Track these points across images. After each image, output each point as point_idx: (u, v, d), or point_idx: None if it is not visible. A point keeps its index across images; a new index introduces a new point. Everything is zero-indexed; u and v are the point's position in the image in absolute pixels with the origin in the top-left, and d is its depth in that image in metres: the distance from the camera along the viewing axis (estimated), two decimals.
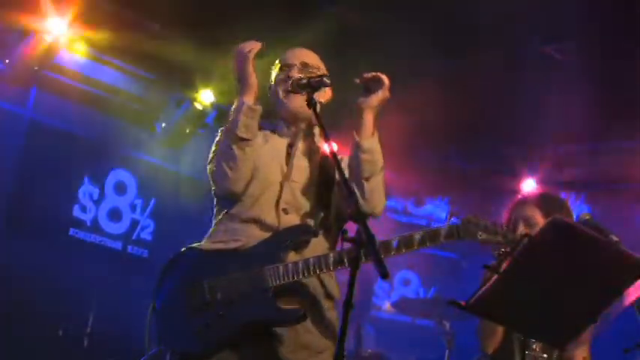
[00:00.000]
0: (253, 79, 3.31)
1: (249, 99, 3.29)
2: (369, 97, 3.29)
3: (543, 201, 4.13)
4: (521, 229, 4.00)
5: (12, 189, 7.12)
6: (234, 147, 3.26)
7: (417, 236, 3.13)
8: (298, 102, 3.36)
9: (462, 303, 2.93)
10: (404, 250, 3.13)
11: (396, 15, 5.92)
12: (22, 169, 7.21)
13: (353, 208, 2.87)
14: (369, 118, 3.29)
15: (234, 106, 3.34)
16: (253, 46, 3.31)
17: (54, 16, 6.50)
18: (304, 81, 3.27)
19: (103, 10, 6.44)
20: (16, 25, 6.62)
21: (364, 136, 3.28)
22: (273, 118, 3.58)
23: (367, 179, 3.27)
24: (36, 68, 6.91)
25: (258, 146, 3.41)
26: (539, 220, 4.04)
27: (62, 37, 6.69)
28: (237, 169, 3.27)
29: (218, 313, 3.11)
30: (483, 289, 2.87)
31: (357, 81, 3.32)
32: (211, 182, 3.37)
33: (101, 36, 6.75)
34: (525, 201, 4.14)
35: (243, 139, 3.26)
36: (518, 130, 7.14)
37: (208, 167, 3.38)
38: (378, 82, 3.29)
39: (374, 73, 3.30)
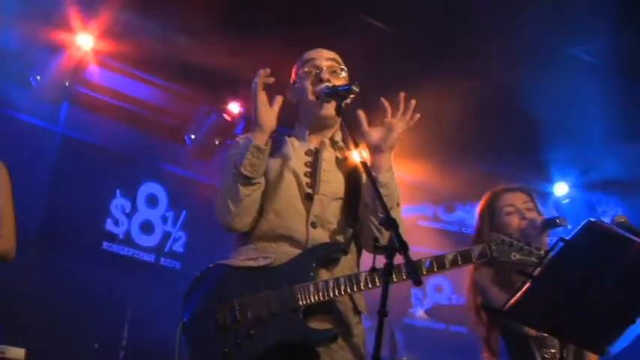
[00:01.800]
0: (265, 117, 3.23)
1: (258, 138, 3.22)
2: (388, 137, 3.22)
3: (528, 189, 4.16)
4: (518, 218, 3.99)
5: (45, 204, 7.18)
6: (239, 185, 3.20)
7: (450, 257, 3.09)
8: (331, 109, 3.31)
9: (498, 309, 2.90)
10: (436, 271, 3.10)
11: (415, 23, 5.94)
12: (54, 184, 7.28)
13: (384, 216, 2.85)
14: (388, 158, 3.24)
15: (243, 140, 3.30)
16: (257, 78, 3.23)
17: (83, 32, 6.57)
18: (333, 90, 3.24)
19: (130, 24, 6.48)
20: (46, 42, 6.71)
21: (382, 170, 3.21)
22: (297, 123, 3.53)
23: None
24: (67, 84, 6.98)
25: (278, 155, 3.36)
26: (533, 207, 4.06)
27: (91, 52, 6.76)
28: (241, 206, 3.21)
29: (248, 332, 3.07)
30: (519, 294, 2.85)
31: (403, 96, 3.24)
32: (216, 215, 3.31)
33: (129, 50, 6.81)
34: (513, 190, 4.14)
35: (247, 177, 3.21)
36: (548, 132, 7.08)
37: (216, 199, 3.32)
38: (405, 113, 3.23)
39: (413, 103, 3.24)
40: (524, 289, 2.80)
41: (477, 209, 4.23)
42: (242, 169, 3.19)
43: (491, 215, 4.12)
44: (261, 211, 3.30)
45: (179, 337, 3.19)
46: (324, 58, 3.43)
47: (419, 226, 9.19)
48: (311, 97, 3.36)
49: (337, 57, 3.48)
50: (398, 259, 2.82)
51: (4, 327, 5.61)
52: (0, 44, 6.58)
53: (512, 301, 2.84)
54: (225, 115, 7.64)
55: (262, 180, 3.26)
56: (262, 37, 6.11)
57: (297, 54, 3.53)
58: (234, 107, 7.58)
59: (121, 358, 6.92)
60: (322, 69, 3.38)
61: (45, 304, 6.63)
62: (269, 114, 3.25)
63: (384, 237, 3.08)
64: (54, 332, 6.60)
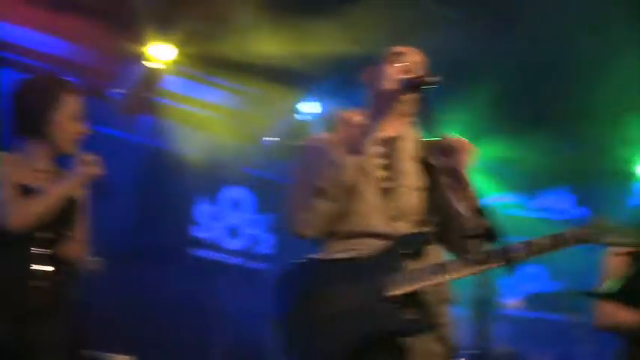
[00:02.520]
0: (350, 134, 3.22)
1: (344, 156, 3.18)
2: (459, 158, 3.16)
3: None
4: None
5: (131, 214, 7.31)
6: (316, 197, 3.17)
7: (542, 241, 3.02)
8: (409, 99, 3.27)
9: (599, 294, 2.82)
10: (528, 257, 3.02)
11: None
12: (141, 195, 7.42)
13: (472, 203, 2.79)
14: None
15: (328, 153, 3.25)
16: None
17: (159, 43, 6.72)
18: (415, 82, 3.20)
19: (202, 31, 6.57)
20: (126, 54, 6.85)
21: (464, 165, 3.15)
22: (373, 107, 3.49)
23: None
24: (146, 95, 7.11)
25: (354, 151, 3.34)
26: None
27: (168, 61, 6.87)
28: (315, 216, 3.19)
29: (340, 325, 3.05)
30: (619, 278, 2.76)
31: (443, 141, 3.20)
32: (287, 220, 3.28)
33: (203, 57, 6.89)
34: None
35: (326, 191, 3.16)
36: (633, 108, 6.89)
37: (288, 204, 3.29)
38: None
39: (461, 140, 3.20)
40: (626, 272, 2.72)
41: None
42: (323, 184, 3.17)
43: None
44: (344, 213, 3.27)
45: (272, 334, 3.20)
46: (413, 54, 3.39)
47: (505, 216, 9.04)
48: (392, 86, 3.33)
49: (424, 59, 3.44)
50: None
51: (104, 336, 5.74)
52: (79, 59, 6.75)
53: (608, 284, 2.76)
54: (297, 116, 7.67)
55: (341, 193, 3.23)
56: (331, 34, 6.13)
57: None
58: (308, 107, 7.59)
59: None
60: (408, 64, 3.35)
61: (138, 314, 6.75)
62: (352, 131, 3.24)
63: (473, 227, 3.02)
64: (148, 340, 6.71)
